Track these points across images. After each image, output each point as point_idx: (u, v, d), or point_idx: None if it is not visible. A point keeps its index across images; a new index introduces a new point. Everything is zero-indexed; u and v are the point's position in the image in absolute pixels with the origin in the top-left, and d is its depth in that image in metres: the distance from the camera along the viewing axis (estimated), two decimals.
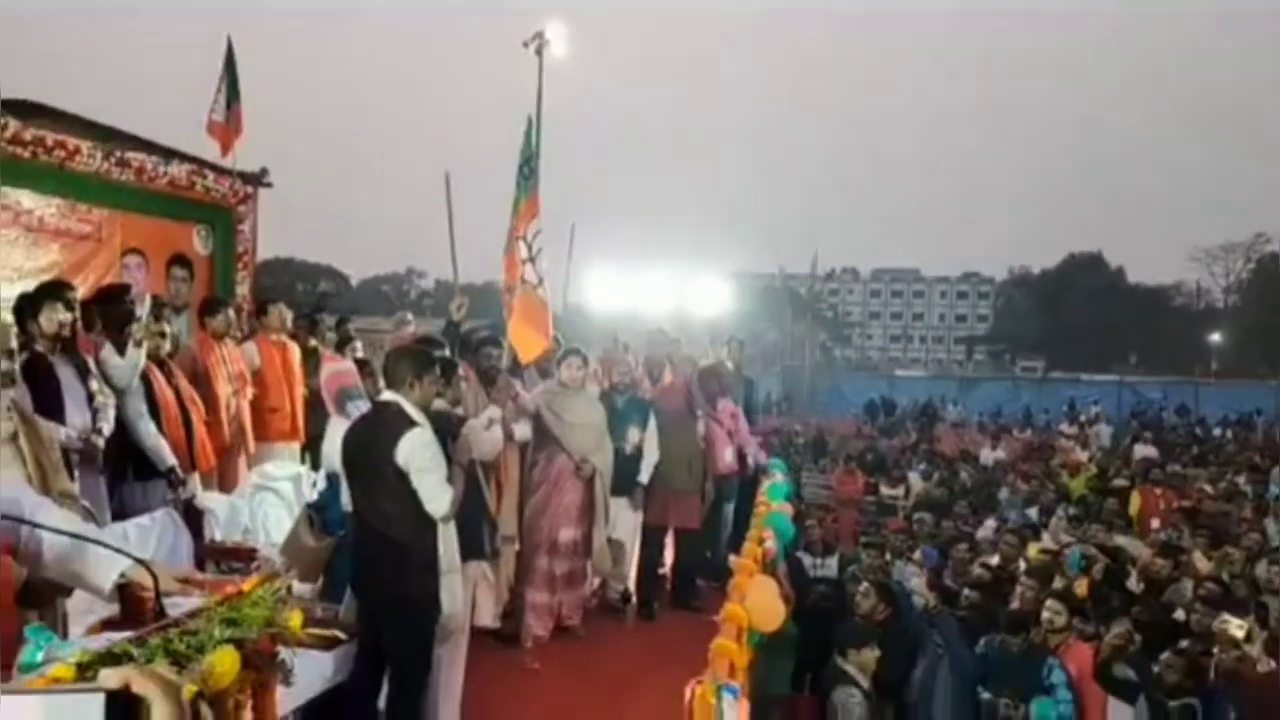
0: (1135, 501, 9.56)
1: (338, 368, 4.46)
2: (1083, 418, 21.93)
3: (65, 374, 3.78)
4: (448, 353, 4.20)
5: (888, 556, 6.82)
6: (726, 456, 5.94)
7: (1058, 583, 5.87)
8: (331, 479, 3.85)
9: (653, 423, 5.22)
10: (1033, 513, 9.31)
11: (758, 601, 4.05)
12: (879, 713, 4.59)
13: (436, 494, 3.16)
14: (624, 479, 5.03)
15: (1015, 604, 5.61)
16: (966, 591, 5.98)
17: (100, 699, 0.63)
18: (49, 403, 3.60)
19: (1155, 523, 8.97)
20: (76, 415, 3.78)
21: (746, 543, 5.04)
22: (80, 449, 3.78)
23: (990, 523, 8.40)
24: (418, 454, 3.15)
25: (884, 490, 11.19)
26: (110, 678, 0.63)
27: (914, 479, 11.59)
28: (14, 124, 5.27)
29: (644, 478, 5.18)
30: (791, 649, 5.40)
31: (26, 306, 3.83)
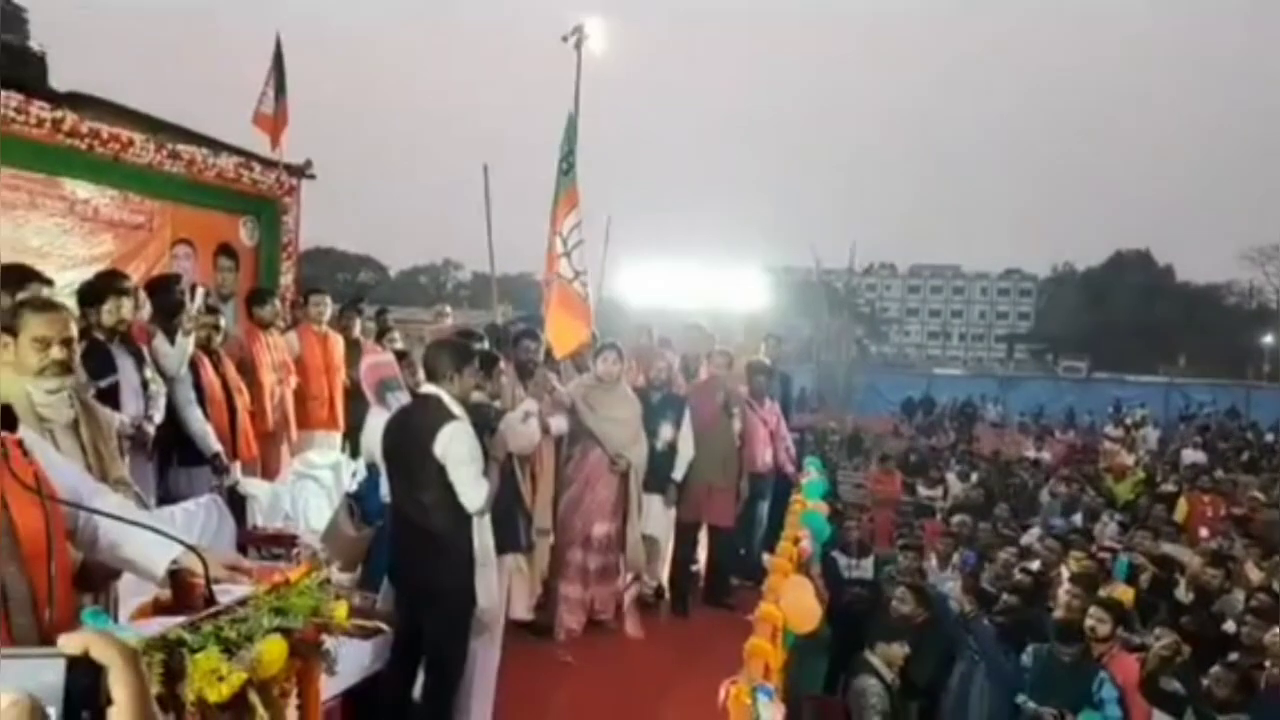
0: (1183, 508, 9.31)
1: (378, 359, 4.53)
2: (1128, 420, 21.41)
3: (123, 363, 3.89)
4: (487, 346, 4.24)
5: (933, 560, 6.72)
6: (765, 455, 5.91)
7: (1103, 591, 5.74)
8: (370, 469, 3.91)
9: (687, 419, 5.21)
10: (1077, 518, 9.11)
11: (793, 602, 4.03)
12: (901, 709, 4.52)
13: (472, 487, 3.18)
14: (657, 475, 5.03)
15: (1059, 612, 5.51)
16: (1005, 597, 5.88)
17: (61, 664, 0.64)
18: (107, 390, 3.71)
19: (1204, 531, 8.73)
20: (132, 403, 3.89)
21: (782, 541, 5.01)
22: (133, 435, 3.88)
23: (1035, 530, 8.24)
24: (456, 446, 3.17)
25: (921, 491, 11.03)
26: (69, 643, 0.64)
27: (952, 480, 11.40)
28: (71, 117, 5.42)
29: (678, 474, 5.18)
30: (825, 649, 5.37)
31: (88, 296, 3.94)
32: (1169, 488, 10.90)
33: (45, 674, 0.63)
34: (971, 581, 5.66)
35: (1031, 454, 14.94)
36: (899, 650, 4.43)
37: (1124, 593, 5.91)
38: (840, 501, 8.52)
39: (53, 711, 0.62)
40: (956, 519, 7.90)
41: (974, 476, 11.80)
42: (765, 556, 5.62)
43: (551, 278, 4.66)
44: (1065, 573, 6.53)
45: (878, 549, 7.39)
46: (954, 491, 10.92)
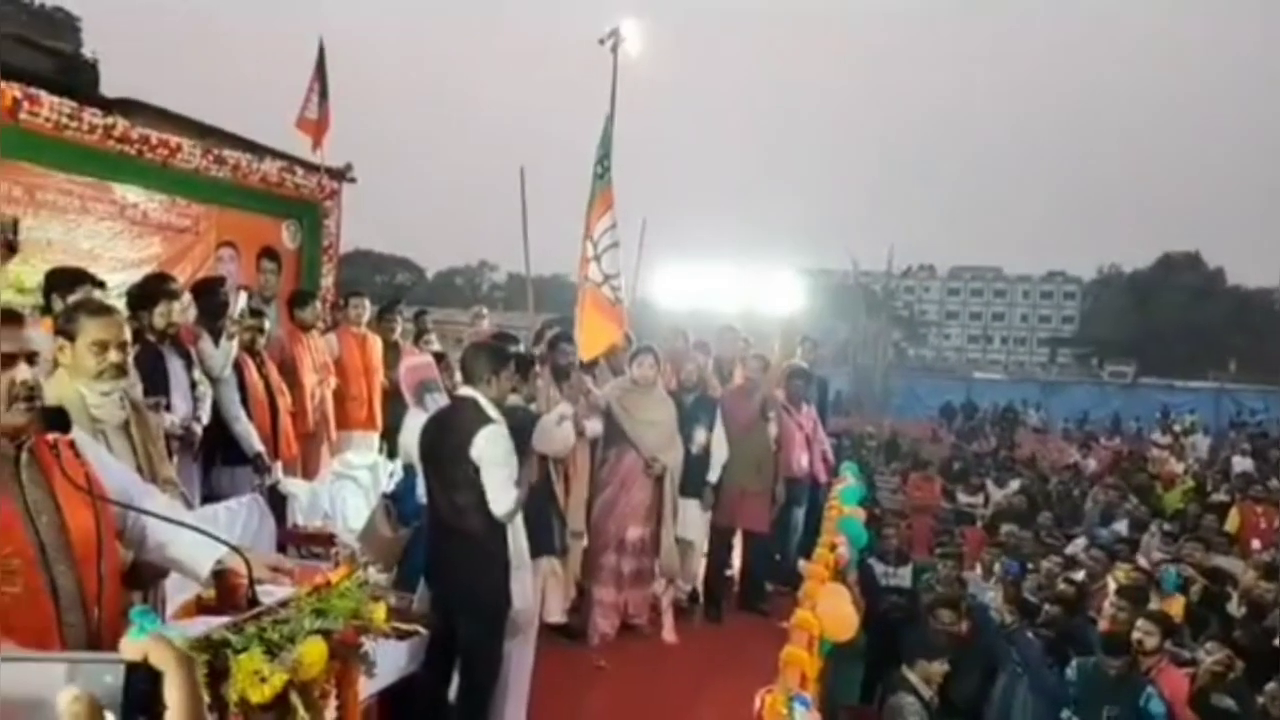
0: (1234, 519, 9.02)
1: (417, 361, 4.57)
2: (1177, 427, 20.83)
3: (173, 365, 3.98)
4: (523, 349, 4.25)
5: (977, 569, 6.58)
6: (801, 460, 5.85)
7: (1151, 603, 5.58)
8: (407, 470, 3.95)
9: (719, 422, 5.18)
10: (1122, 527, 8.88)
11: (830, 610, 3.98)
12: None
13: (502, 491, 3.19)
14: (693, 479, 5.01)
15: (1104, 624, 5.37)
16: (1047, 608, 5.74)
17: (121, 668, 0.66)
18: (157, 391, 3.79)
19: (1256, 543, 8.44)
20: (181, 404, 3.98)
21: (818, 548, 4.95)
22: (181, 436, 3.97)
23: (1080, 540, 8.05)
24: (490, 449, 3.19)
25: (961, 498, 10.84)
26: (130, 649, 0.66)
27: (993, 487, 11.19)
28: (122, 123, 5.57)
29: (713, 477, 5.15)
30: (860, 658, 5.29)
31: (139, 299, 4.04)
32: (1220, 497, 10.57)
33: (105, 677, 0.64)
34: (1013, 592, 5.53)
35: (1076, 461, 14.61)
36: (938, 668, 4.34)
37: (1173, 605, 5.74)
38: (878, 507, 8.40)
39: (110, 714, 0.63)
40: (1005, 528, 7.73)
41: (1015, 483, 11.57)
42: (801, 563, 5.56)
43: (582, 281, 4.67)
44: (1111, 584, 6.37)
45: (916, 556, 7.27)
46: (995, 499, 10.72)
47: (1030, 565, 6.94)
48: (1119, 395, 29.33)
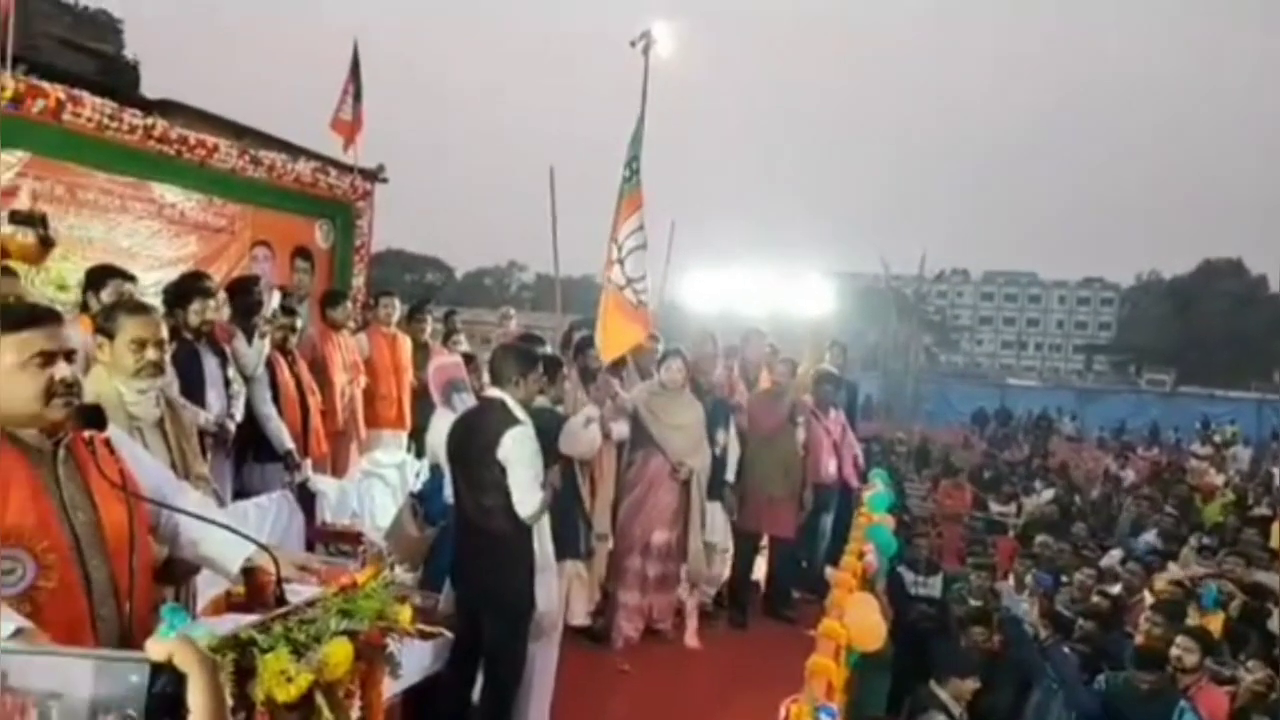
0: (1277, 533, 8.77)
1: (445, 361, 4.60)
2: (1217, 438, 20.32)
3: (209, 362, 4.04)
4: (550, 350, 4.25)
5: (1009, 580, 6.47)
6: (829, 466, 5.79)
7: (1189, 619, 5.44)
8: (434, 470, 3.97)
9: (733, 421, 5.15)
10: (1157, 539, 8.67)
11: (858, 619, 3.92)
12: None
13: (527, 493, 3.19)
14: (714, 480, 4.98)
15: (1139, 639, 5.24)
16: (1081, 621, 5.62)
17: (145, 668, 0.65)
18: (192, 388, 3.86)
19: None
20: (216, 401, 4.04)
21: (846, 555, 4.89)
22: (215, 432, 4.03)
23: (1116, 552, 7.87)
24: (517, 450, 3.19)
25: (994, 506, 10.66)
26: (156, 649, 0.65)
27: (1025, 496, 11.01)
28: (161, 124, 5.68)
29: (729, 475, 5.11)
30: (888, 668, 5.22)
31: (175, 297, 4.11)
32: (1261, 511, 10.28)
33: (130, 676, 0.64)
34: (1047, 605, 5.42)
35: (1113, 471, 14.31)
36: (970, 685, 4.26)
37: (1212, 622, 5.58)
38: (907, 515, 8.30)
39: (134, 713, 0.63)
40: (1039, 539, 7.58)
41: (1049, 493, 11.36)
42: (828, 570, 5.49)
43: (606, 283, 4.66)
44: (1148, 598, 6.22)
45: (946, 566, 7.16)
46: (1028, 508, 10.53)
47: (1064, 578, 6.81)
48: (1157, 404, 28.68)
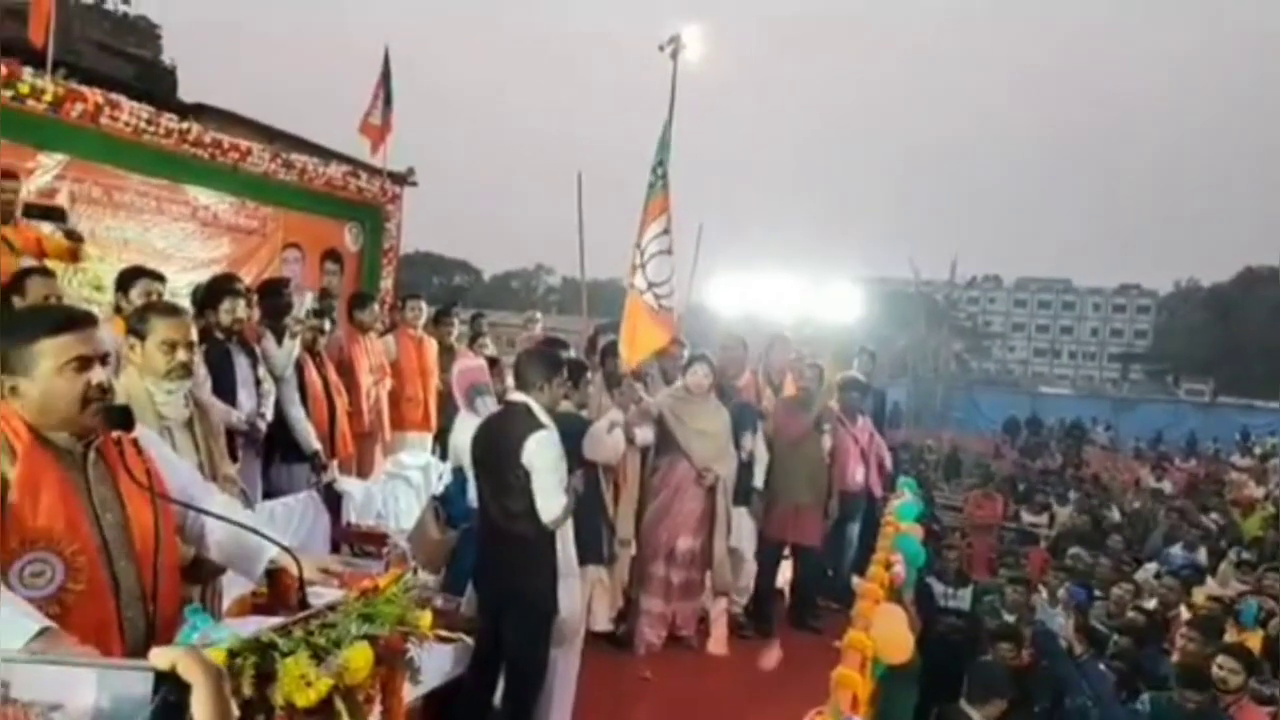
0: None
1: (469, 364, 4.61)
2: (1258, 449, 19.79)
3: (240, 362, 4.09)
4: (574, 354, 4.24)
5: (1042, 593, 6.32)
6: (856, 474, 5.71)
7: (1227, 635, 5.28)
8: (457, 473, 3.97)
9: (760, 427, 5.10)
10: (1196, 553, 8.45)
11: (884, 631, 3.86)
12: None
13: (551, 497, 3.18)
14: (741, 486, 4.93)
15: (1177, 656, 5.09)
16: (1117, 637, 5.48)
17: (150, 677, 0.64)
18: (224, 388, 3.90)
19: None
20: (247, 400, 4.09)
21: (873, 565, 4.82)
22: (247, 431, 4.07)
23: (1151, 566, 7.68)
24: (541, 455, 3.18)
25: (1025, 517, 10.46)
26: (160, 658, 0.64)
27: (1058, 506, 10.78)
28: (196, 128, 5.77)
29: (759, 481, 5.06)
30: (915, 680, 5.12)
31: (205, 298, 4.16)
32: None
33: (134, 686, 0.63)
34: (1082, 619, 5.29)
35: (1150, 483, 13.99)
36: (999, 706, 4.17)
37: (1250, 639, 5.42)
38: (937, 524, 8.16)
39: None
40: (1071, 552, 7.41)
41: (1080, 504, 11.13)
42: (855, 579, 5.42)
43: (630, 288, 4.66)
44: (1184, 613, 6.05)
45: (976, 577, 7.03)
46: (1061, 519, 10.32)
47: (1099, 591, 6.65)
48: (1196, 415, 27.98)
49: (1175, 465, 17.79)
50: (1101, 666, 4.68)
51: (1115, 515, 11.15)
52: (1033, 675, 4.80)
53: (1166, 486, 13.93)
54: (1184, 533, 9.07)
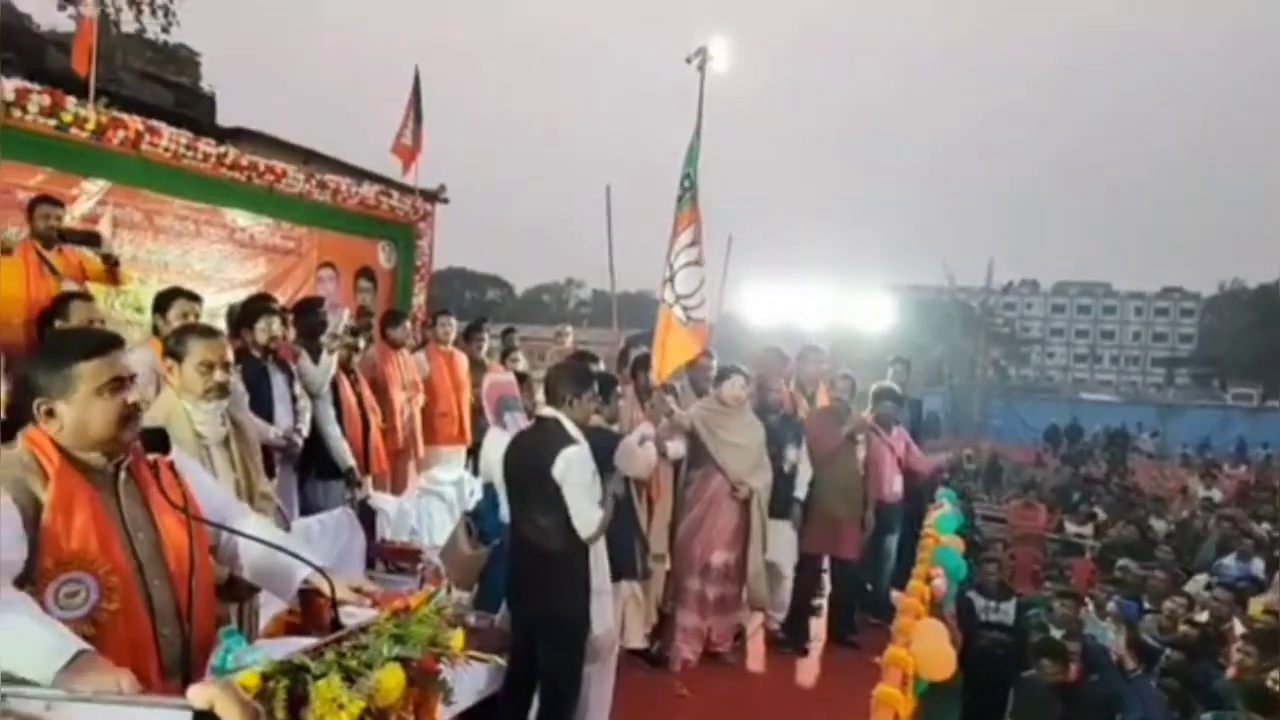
0: None
1: (498, 378, 4.62)
2: None
3: (277, 380, 4.15)
4: (604, 367, 4.22)
5: (1090, 607, 6.13)
6: (894, 484, 5.61)
7: None
8: (487, 488, 3.97)
9: (803, 440, 5.04)
10: (1248, 563, 8.16)
11: (926, 648, 3.77)
12: None
13: (586, 513, 3.16)
14: (782, 499, 4.86)
15: (1232, 671, 4.91)
16: (1169, 652, 5.30)
17: (188, 716, 0.63)
18: (262, 406, 3.96)
19: None
20: (284, 418, 4.14)
21: (912, 579, 4.72)
22: (284, 448, 4.12)
23: (1201, 577, 7.43)
24: (574, 471, 3.16)
25: (1069, 527, 10.19)
26: (198, 696, 0.63)
27: (1104, 516, 10.49)
28: (233, 151, 5.89)
29: (800, 493, 4.99)
30: (957, 697, 5.00)
31: (242, 318, 4.23)
32: None
33: None
34: (1133, 634, 5.12)
35: (1200, 491, 13.56)
36: None
37: None
38: (978, 535, 7.98)
39: None
40: (1121, 564, 7.20)
41: (1128, 513, 10.83)
42: (894, 593, 5.31)
43: (661, 301, 4.65)
44: (1238, 626, 5.84)
45: (1020, 590, 6.85)
46: (1107, 530, 10.05)
47: (1149, 605, 6.45)
48: (1244, 420, 27.14)
49: (1224, 472, 17.24)
50: (1154, 684, 4.53)
51: (1163, 525, 10.83)
52: (1081, 692, 4.66)
53: (1216, 494, 13.49)
54: (1237, 542, 8.77)
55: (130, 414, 1.74)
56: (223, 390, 2.54)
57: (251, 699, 0.64)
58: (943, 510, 6.26)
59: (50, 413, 1.71)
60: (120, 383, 1.74)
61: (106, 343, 1.80)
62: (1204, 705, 4.57)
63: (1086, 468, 16.97)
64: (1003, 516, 10.72)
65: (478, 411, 5.77)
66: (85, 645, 1.45)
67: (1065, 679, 4.59)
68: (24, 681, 1.39)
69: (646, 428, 4.13)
